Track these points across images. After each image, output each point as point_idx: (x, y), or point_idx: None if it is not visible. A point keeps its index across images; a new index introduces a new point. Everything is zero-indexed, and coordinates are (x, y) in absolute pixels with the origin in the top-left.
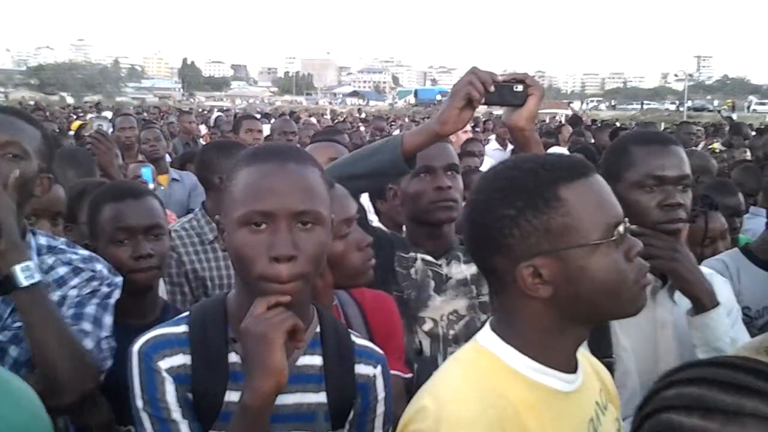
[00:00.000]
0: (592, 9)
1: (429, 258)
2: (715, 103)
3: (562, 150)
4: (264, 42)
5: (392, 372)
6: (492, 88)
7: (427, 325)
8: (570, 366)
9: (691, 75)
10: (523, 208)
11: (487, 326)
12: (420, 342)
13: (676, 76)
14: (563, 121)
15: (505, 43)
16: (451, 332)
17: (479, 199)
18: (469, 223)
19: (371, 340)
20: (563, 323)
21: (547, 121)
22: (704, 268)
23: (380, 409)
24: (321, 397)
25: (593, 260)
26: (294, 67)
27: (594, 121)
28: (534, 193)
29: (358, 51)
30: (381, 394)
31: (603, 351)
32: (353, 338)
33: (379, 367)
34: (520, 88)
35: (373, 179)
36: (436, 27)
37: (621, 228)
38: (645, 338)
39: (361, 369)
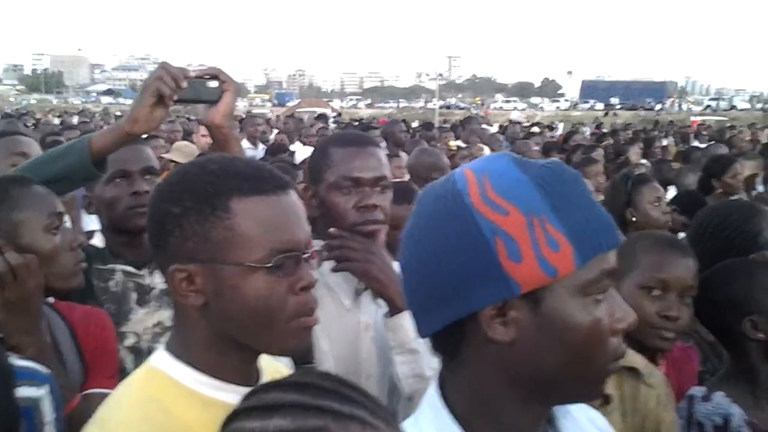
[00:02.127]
0: (349, 9)
1: (129, 268)
2: (458, 100)
3: (307, 149)
4: (8, 37)
5: (102, 390)
6: (184, 84)
7: (129, 340)
8: (250, 379)
9: (442, 74)
10: (189, 208)
11: (161, 345)
12: (122, 359)
13: (427, 75)
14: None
15: (264, 42)
16: (156, 346)
17: (159, 190)
18: (147, 214)
19: (80, 357)
20: (222, 337)
21: (305, 119)
22: None
23: None
24: None
25: (248, 282)
26: (42, 64)
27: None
28: (205, 196)
29: (113, 47)
30: (48, 416)
31: (302, 356)
32: (12, 359)
33: (44, 388)
34: (214, 84)
35: (63, 184)
36: (194, 23)
37: (291, 256)
38: (348, 341)
39: (23, 392)
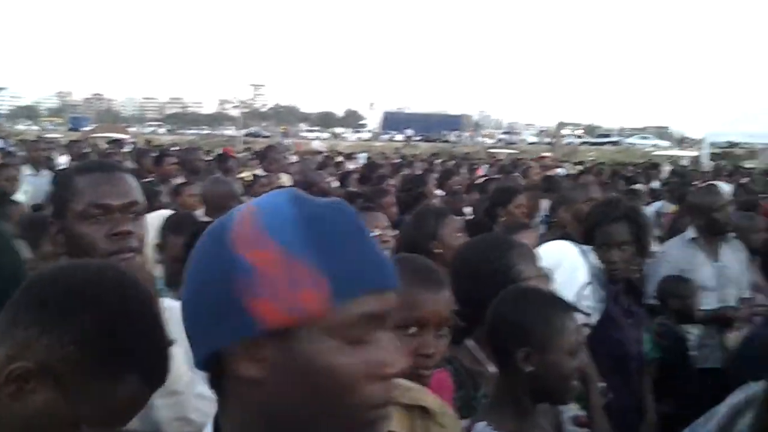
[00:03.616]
0: (150, 33)
1: None
2: (262, 128)
3: None
4: None
5: None
6: None
7: None
8: None
9: (246, 102)
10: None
11: None
12: None
13: (231, 102)
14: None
15: (62, 65)
16: None
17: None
18: None
19: None
20: None
21: (100, 145)
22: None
23: None
24: None
25: None
26: None
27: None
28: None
29: None
30: None
31: None
32: None
33: None
34: None
35: None
36: None
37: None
38: None
39: None
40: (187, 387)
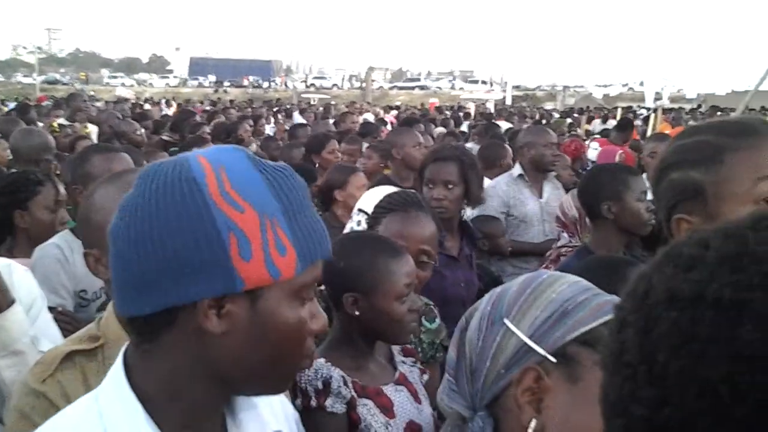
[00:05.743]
0: None
1: None
2: (68, 77)
3: None
4: None
5: None
6: None
7: None
8: None
9: (41, 48)
10: None
11: None
12: None
13: (25, 48)
14: None
15: None
16: None
17: None
18: None
19: None
20: None
21: None
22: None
23: None
24: None
25: None
26: None
27: None
28: None
29: None
30: None
31: None
32: None
33: None
34: None
35: None
36: None
37: None
38: None
39: None
40: (30, 346)
